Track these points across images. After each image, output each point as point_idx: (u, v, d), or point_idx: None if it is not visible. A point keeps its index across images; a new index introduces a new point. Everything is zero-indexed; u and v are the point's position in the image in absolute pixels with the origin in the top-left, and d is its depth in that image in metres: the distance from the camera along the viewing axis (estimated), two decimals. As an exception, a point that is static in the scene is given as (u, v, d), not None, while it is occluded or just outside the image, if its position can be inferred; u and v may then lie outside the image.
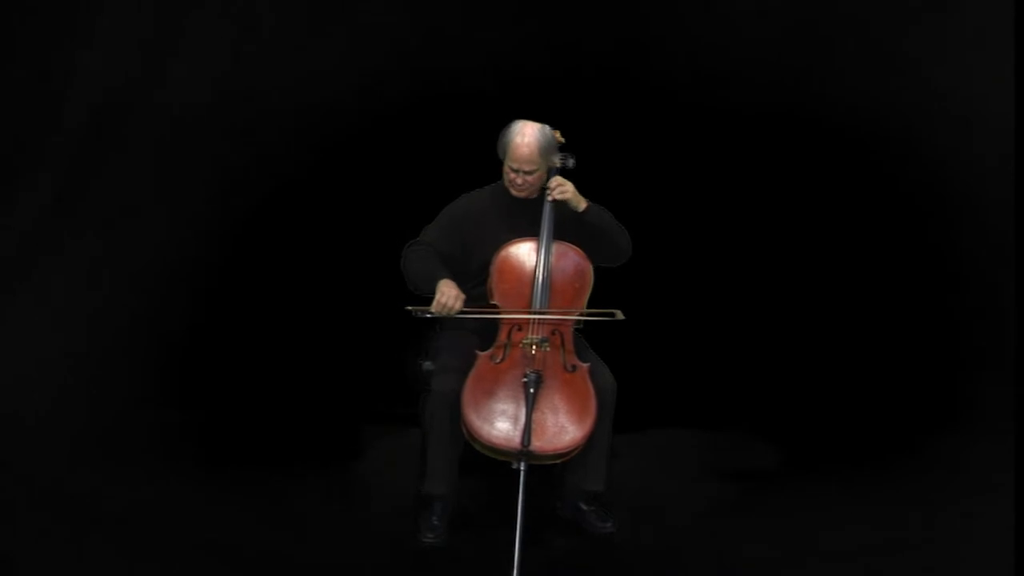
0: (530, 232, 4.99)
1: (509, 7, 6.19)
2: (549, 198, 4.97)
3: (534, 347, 4.87)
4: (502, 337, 4.91)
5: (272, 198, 6.15)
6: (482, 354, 4.89)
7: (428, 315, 4.86)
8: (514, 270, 4.96)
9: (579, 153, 5.13)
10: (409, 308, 4.89)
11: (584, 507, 5.04)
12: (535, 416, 4.76)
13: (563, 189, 4.96)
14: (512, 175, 5.01)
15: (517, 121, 4.99)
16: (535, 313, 4.92)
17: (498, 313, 4.93)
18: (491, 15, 6.17)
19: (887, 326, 6.33)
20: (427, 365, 5.04)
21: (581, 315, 4.94)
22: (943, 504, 5.35)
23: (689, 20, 6.23)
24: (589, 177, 5.37)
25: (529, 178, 5.00)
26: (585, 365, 4.91)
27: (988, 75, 6.09)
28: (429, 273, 4.93)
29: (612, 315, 4.89)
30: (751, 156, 6.32)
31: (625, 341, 5.11)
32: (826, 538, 5.08)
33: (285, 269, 6.18)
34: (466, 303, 4.89)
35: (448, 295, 4.85)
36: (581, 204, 4.99)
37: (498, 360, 4.88)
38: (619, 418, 5.07)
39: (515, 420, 4.77)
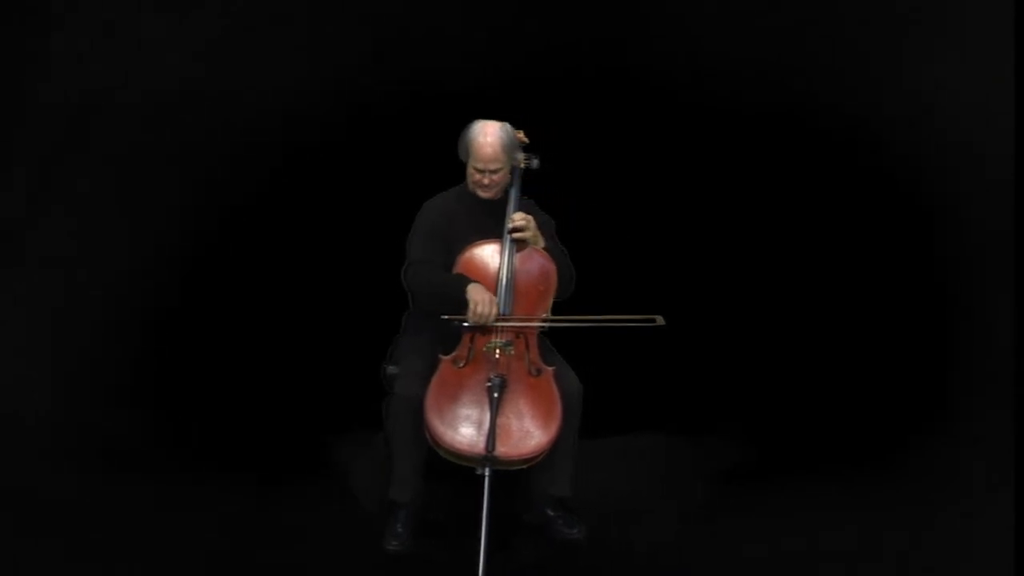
0: (497, 233, 4.92)
1: (507, 7, 6.12)
2: (509, 232, 4.90)
3: (498, 351, 4.80)
4: (466, 341, 4.84)
5: (254, 198, 6.12)
6: (445, 358, 4.83)
7: (465, 324, 4.79)
8: (478, 272, 4.88)
9: (568, 153, 5.08)
10: (445, 317, 4.81)
11: (551, 513, 4.97)
12: (500, 421, 4.69)
13: (522, 233, 4.89)
14: (478, 176, 4.95)
15: (477, 121, 4.94)
16: (573, 321, 4.83)
17: (544, 321, 4.85)
18: (486, 15, 6.12)
19: (886, 326, 6.21)
20: (391, 369, 4.98)
21: (622, 322, 4.79)
22: (943, 504, 5.29)
23: (688, 21, 6.14)
24: (576, 177, 5.34)
25: (495, 177, 4.95)
26: (550, 368, 4.83)
27: (988, 76, 5.96)
28: (448, 283, 4.87)
29: (653, 320, 4.79)
30: (743, 157, 6.22)
31: (613, 345, 5.05)
32: (826, 538, 5.02)
33: (271, 270, 6.12)
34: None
35: (483, 302, 4.78)
36: (540, 243, 4.93)
37: (461, 364, 4.81)
38: (605, 422, 5.03)
39: (479, 425, 4.70)
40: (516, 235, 4.89)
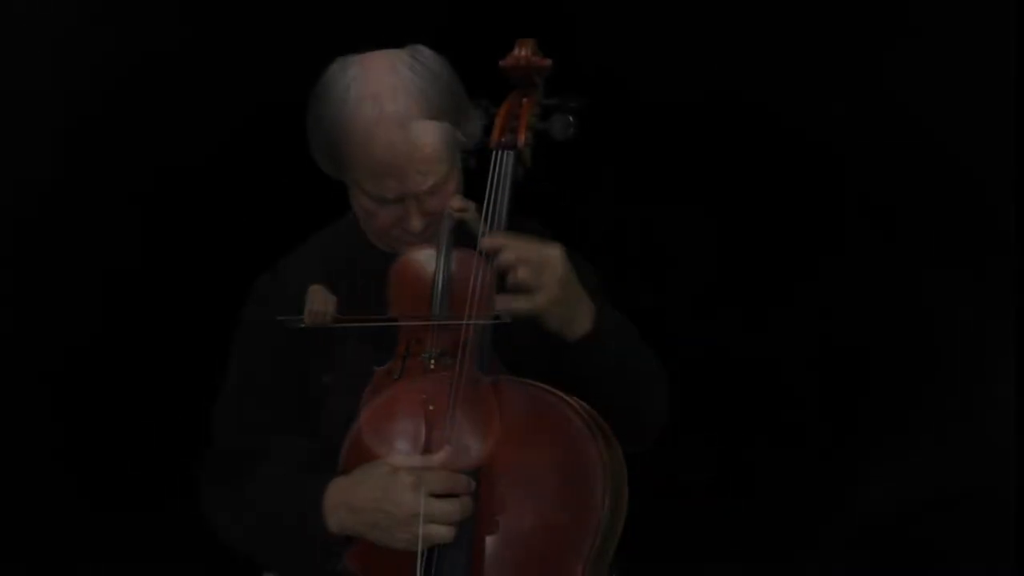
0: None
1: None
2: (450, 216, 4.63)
3: (433, 361, 4.57)
4: (400, 350, 4.60)
5: (200, 201, 6.02)
6: (379, 369, 4.59)
7: (301, 326, 4.54)
8: (411, 278, 4.65)
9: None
10: (280, 318, 4.56)
11: (497, 532, 4.74)
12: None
13: (464, 214, 4.59)
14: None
15: None
16: (414, 320, 4.58)
17: (380, 321, 4.59)
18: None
19: (883, 323, 6.12)
20: (324, 379, 4.77)
21: (475, 320, 4.53)
22: (943, 500, 5.33)
23: (684, 26, 6.05)
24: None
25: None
26: (489, 379, 4.57)
27: (987, 82, 5.87)
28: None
29: (497, 318, 4.49)
30: (728, 159, 6.16)
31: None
32: (825, 534, 5.20)
33: (213, 275, 6.02)
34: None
35: (316, 300, 4.54)
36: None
37: (396, 375, 4.57)
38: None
39: (415, 440, 4.47)
40: (459, 215, 4.59)
